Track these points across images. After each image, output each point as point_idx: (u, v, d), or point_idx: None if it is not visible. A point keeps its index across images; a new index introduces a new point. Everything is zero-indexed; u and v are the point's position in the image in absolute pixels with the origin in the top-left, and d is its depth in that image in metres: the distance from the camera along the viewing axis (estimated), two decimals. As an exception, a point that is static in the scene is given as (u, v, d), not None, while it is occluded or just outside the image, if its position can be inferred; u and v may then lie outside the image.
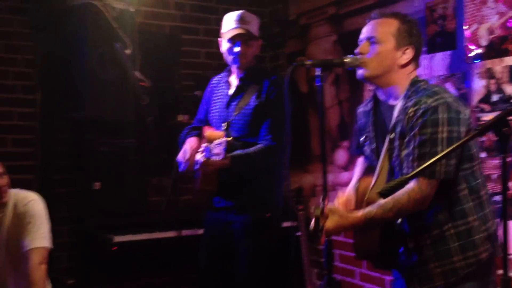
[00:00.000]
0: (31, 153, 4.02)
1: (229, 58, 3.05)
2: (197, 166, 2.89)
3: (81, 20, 3.51)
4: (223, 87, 3.15)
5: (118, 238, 3.70)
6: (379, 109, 2.26)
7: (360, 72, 2.18)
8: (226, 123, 3.01)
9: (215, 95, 3.19)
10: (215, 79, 3.27)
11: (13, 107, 4.03)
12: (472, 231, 2.10)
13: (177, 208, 4.22)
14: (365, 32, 2.19)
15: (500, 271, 1.80)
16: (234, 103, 3.05)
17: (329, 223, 2.03)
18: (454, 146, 1.74)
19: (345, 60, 2.17)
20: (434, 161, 1.90)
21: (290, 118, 2.44)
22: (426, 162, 1.95)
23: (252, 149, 2.92)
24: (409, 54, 2.15)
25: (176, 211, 3.97)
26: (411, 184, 2.04)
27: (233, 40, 2.98)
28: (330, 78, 4.33)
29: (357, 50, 2.19)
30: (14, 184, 2.92)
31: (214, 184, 2.99)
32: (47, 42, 3.84)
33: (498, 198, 2.62)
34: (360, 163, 2.52)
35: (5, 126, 4.00)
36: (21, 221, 2.79)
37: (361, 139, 2.36)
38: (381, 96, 2.24)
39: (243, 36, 2.96)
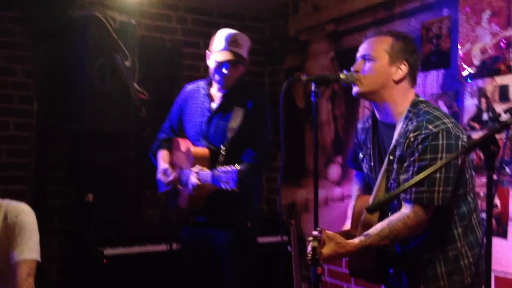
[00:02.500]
0: (26, 164, 4.02)
1: (215, 76, 3.00)
2: (190, 189, 2.83)
3: (82, 31, 3.53)
4: (203, 99, 3.09)
5: (109, 251, 3.68)
6: (378, 127, 2.28)
7: (355, 89, 2.20)
8: (224, 147, 2.91)
9: (191, 105, 3.13)
10: (191, 87, 3.20)
11: (9, 117, 4.03)
12: (460, 257, 2.12)
13: (169, 222, 4.22)
14: (361, 51, 2.22)
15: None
16: (216, 119, 3.01)
17: (326, 250, 1.99)
18: (438, 165, 1.74)
19: (340, 76, 2.19)
20: (430, 188, 1.98)
21: (286, 132, 2.44)
22: (423, 188, 2.01)
23: (242, 168, 2.81)
24: (403, 70, 2.16)
25: (168, 225, 3.98)
26: (407, 210, 2.05)
27: (221, 61, 2.94)
28: (327, 94, 4.37)
29: (352, 68, 2.21)
30: (8, 195, 2.87)
31: (202, 203, 2.96)
32: (48, 52, 3.86)
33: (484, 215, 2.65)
34: (355, 184, 2.51)
35: (0, 136, 4.00)
36: (10, 233, 2.72)
37: (360, 155, 2.37)
38: (378, 114, 2.25)
39: (231, 61, 2.93)
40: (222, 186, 2.65)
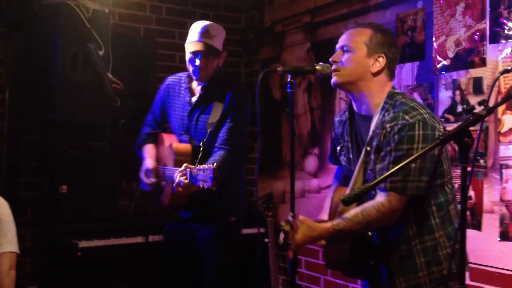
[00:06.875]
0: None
1: (190, 68, 3.02)
2: (175, 187, 2.82)
3: (54, 19, 3.48)
4: (183, 93, 3.10)
5: (83, 244, 3.64)
6: (355, 119, 2.28)
7: (333, 79, 2.21)
8: (202, 142, 2.91)
9: (173, 98, 3.14)
10: (171, 79, 3.20)
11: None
12: (438, 247, 2.14)
13: (145, 214, 4.17)
14: (340, 42, 2.24)
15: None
16: (197, 112, 3.01)
17: (298, 235, 2.01)
18: (414, 156, 1.74)
19: (316, 67, 2.20)
20: (405, 177, 1.99)
21: (263, 124, 2.44)
22: (398, 177, 2.01)
23: (218, 160, 2.84)
24: (381, 62, 2.17)
25: (144, 217, 3.94)
26: (381, 198, 2.06)
27: (194, 53, 2.95)
28: (303, 86, 4.37)
29: (331, 59, 2.22)
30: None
31: (184, 199, 2.96)
32: (20, 41, 3.79)
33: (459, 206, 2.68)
34: (335, 182, 2.51)
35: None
36: None
37: (338, 148, 2.38)
38: (355, 105, 2.26)
39: (203, 52, 2.93)
40: (200, 184, 2.64)
